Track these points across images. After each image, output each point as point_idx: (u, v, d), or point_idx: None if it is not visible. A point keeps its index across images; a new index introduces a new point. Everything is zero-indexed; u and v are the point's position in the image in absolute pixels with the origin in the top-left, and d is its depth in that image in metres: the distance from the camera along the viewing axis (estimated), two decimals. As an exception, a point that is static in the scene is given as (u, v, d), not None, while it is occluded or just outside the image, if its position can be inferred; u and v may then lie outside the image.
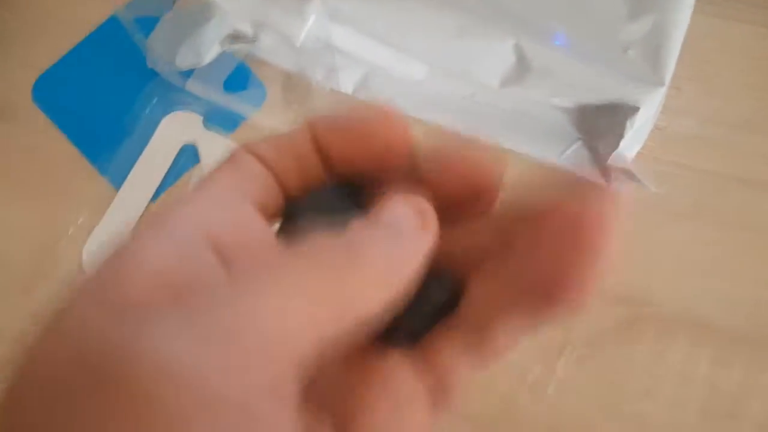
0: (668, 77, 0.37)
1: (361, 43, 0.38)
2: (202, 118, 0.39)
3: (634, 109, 0.36)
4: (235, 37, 0.38)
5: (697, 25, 0.39)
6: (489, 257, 0.19)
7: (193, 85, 0.39)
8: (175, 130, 0.39)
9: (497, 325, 0.18)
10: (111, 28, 0.41)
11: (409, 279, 0.17)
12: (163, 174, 0.38)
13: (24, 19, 0.42)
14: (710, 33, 0.40)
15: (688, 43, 0.39)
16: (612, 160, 0.37)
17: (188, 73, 0.39)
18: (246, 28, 0.38)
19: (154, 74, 0.39)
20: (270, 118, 0.40)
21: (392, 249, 0.16)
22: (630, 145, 0.37)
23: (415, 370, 0.19)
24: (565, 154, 0.38)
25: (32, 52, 0.41)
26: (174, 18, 0.39)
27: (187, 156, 0.39)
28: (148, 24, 0.39)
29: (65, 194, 0.39)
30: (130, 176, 0.38)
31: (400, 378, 0.18)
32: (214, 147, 0.39)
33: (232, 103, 0.40)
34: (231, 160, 0.18)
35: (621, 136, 0.36)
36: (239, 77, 0.40)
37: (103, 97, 0.40)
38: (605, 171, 0.38)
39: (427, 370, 0.19)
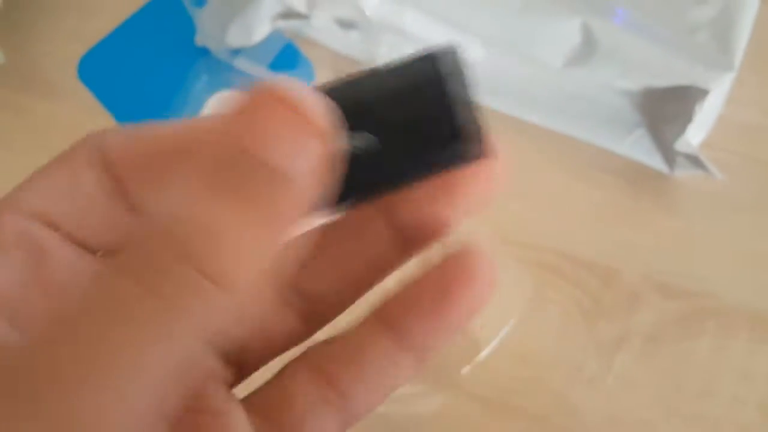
0: (737, 62, 0.36)
1: (418, 21, 0.37)
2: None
3: (704, 93, 0.34)
4: (287, 14, 0.37)
5: (761, 14, 0.37)
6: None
7: (241, 63, 0.38)
8: (222, 109, 0.38)
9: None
10: (159, 4, 0.40)
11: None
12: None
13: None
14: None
15: (751, 32, 0.37)
16: (679, 146, 0.35)
17: (238, 52, 0.38)
18: (300, 5, 0.37)
19: (203, 52, 0.38)
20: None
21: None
22: (696, 132, 0.36)
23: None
24: (628, 140, 0.37)
25: (77, 30, 0.41)
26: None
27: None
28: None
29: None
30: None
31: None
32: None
33: (281, 82, 0.39)
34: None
35: (689, 120, 0.35)
36: (287, 57, 0.39)
37: (150, 75, 0.39)
38: (670, 157, 0.36)
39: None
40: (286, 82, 0.14)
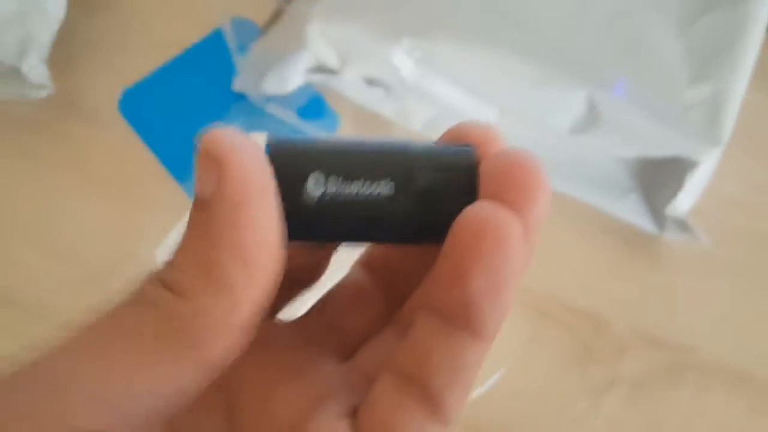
0: (725, 138, 0.39)
1: (444, 87, 0.40)
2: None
3: (694, 164, 0.38)
4: (320, 69, 0.41)
5: (748, 98, 0.41)
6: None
7: (273, 109, 0.41)
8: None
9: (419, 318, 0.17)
10: (202, 49, 0.43)
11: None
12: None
13: (118, 29, 0.44)
14: (758, 106, 0.42)
15: (738, 114, 0.41)
16: (669, 211, 0.39)
17: (271, 99, 0.41)
18: (332, 61, 0.40)
19: (239, 96, 0.41)
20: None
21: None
22: (685, 199, 0.39)
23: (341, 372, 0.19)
24: (622, 203, 0.41)
25: (121, 65, 0.43)
26: (266, 43, 0.41)
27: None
28: (242, 47, 0.42)
29: (143, 197, 0.41)
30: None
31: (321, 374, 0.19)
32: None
33: (309, 129, 0.42)
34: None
35: (680, 188, 0.38)
36: (315, 106, 0.42)
37: (188, 113, 0.42)
38: (660, 221, 0.40)
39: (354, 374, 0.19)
40: (224, 134, 0.16)
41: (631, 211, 0.41)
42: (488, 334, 0.17)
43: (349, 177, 0.17)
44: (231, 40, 0.42)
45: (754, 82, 0.41)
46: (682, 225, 0.39)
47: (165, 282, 0.16)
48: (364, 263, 0.22)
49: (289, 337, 0.21)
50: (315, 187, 0.17)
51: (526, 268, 0.17)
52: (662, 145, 0.39)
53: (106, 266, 0.39)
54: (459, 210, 0.16)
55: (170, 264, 0.16)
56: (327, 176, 0.17)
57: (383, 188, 0.17)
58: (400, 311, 0.21)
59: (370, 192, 0.17)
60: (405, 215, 0.17)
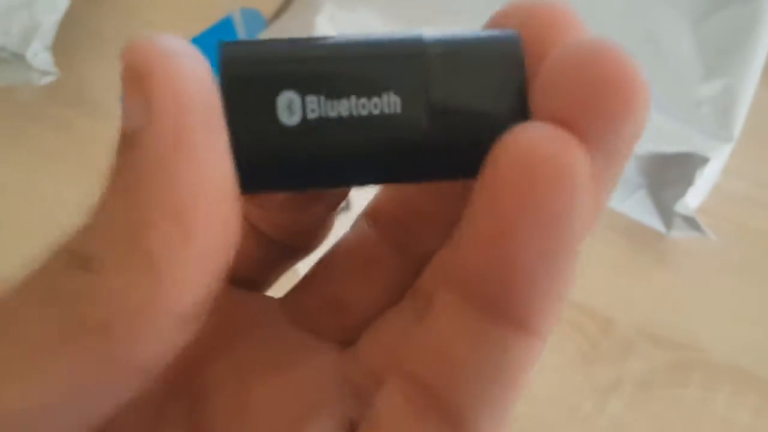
0: (736, 135, 0.39)
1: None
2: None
3: (704, 161, 0.38)
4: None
5: (758, 95, 0.41)
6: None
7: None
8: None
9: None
10: (208, 39, 0.42)
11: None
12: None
13: (124, 17, 0.44)
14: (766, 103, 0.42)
15: (749, 111, 0.41)
16: (678, 208, 0.39)
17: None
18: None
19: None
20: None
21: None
22: (694, 197, 0.39)
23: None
24: (630, 200, 0.40)
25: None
26: (274, 33, 0.40)
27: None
28: (250, 35, 0.41)
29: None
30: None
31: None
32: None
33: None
34: None
35: (689, 185, 0.38)
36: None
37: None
38: (668, 219, 0.40)
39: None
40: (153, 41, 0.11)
41: (639, 209, 0.41)
42: (538, 327, 0.11)
43: (335, 93, 0.12)
44: (240, 30, 0.42)
45: (763, 78, 0.40)
46: (691, 222, 0.39)
47: (75, 253, 0.12)
48: (369, 215, 0.16)
49: (276, 319, 0.16)
50: (288, 111, 0.12)
51: (588, 233, 0.12)
52: (673, 140, 0.39)
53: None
54: (498, 133, 0.11)
55: (83, 229, 0.12)
56: (304, 95, 0.12)
57: (386, 105, 0.12)
58: (419, 280, 0.15)
59: (366, 113, 0.12)
60: (418, 142, 0.12)
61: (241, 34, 0.41)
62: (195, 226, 0.11)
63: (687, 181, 0.38)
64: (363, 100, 0.12)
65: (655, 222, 0.40)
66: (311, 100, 0.12)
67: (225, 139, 0.11)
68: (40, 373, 0.11)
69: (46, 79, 0.40)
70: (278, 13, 0.42)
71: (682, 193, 0.39)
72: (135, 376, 0.12)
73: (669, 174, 0.39)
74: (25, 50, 0.40)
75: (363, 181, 0.13)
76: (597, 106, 0.11)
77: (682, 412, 0.39)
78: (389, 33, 0.13)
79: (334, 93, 0.12)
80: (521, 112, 0.12)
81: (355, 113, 0.12)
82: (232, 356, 0.15)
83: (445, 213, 0.15)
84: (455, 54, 0.12)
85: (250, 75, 0.12)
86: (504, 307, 0.11)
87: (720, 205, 0.41)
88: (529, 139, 0.11)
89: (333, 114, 0.12)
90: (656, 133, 0.39)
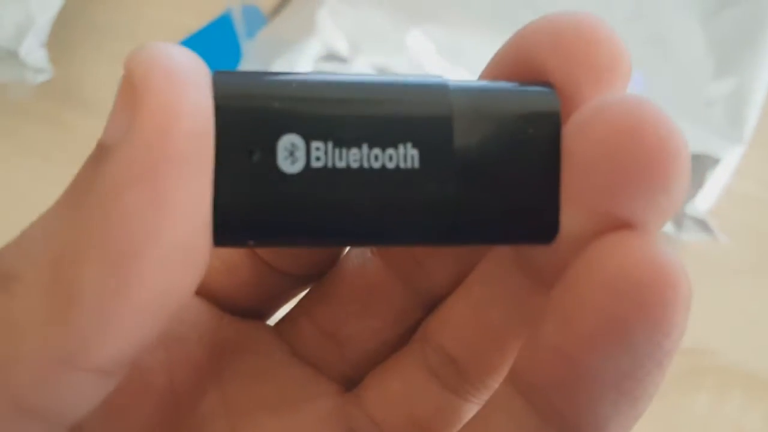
0: (747, 135, 0.38)
1: (456, 73, 0.39)
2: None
3: (715, 161, 0.37)
4: (329, 57, 0.39)
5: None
6: None
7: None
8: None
9: None
10: (207, 35, 0.41)
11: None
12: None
13: (120, 13, 0.43)
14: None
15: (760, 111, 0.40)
16: (688, 210, 0.38)
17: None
18: (342, 49, 0.39)
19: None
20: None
21: None
22: (704, 199, 0.38)
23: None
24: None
25: (121, 48, 0.42)
26: (274, 30, 0.39)
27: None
28: (250, 33, 0.40)
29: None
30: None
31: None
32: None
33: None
34: None
35: (700, 186, 0.37)
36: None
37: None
38: (678, 220, 0.39)
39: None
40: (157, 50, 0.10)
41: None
42: None
43: (344, 140, 0.11)
44: (239, 26, 0.41)
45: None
46: (702, 225, 0.38)
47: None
48: None
49: (275, 350, 0.15)
50: (289, 158, 0.10)
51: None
52: (683, 141, 0.38)
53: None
54: (528, 196, 0.11)
55: (17, 240, 0.10)
56: (309, 140, 0.10)
57: (402, 159, 0.11)
58: (429, 329, 0.14)
59: (379, 165, 0.11)
60: (438, 203, 0.11)
61: (240, 30, 0.41)
62: (135, 281, 0.09)
63: (697, 183, 0.37)
64: (376, 151, 0.11)
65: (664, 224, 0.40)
66: (317, 146, 0.10)
67: (207, 180, 0.10)
68: None
69: (41, 77, 0.39)
70: (278, 9, 0.42)
71: (692, 194, 0.38)
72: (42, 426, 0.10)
73: (679, 175, 0.39)
74: (19, 47, 0.39)
75: (369, 242, 0.12)
76: (639, 187, 0.10)
77: (692, 418, 0.38)
78: (410, 76, 0.12)
79: (343, 140, 0.10)
80: (555, 176, 0.11)
81: (366, 165, 0.11)
82: (226, 392, 0.14)
83: (459, 249, 0.14)
84: (483, 107, 0.11)
85: (249, 112, 0.10)
86: (571, 422, 0.11)
87: (731, 207, 0.40)
88: (622, 257, 0.10)
89: (341, 164, 0.10)
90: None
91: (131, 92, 0.10)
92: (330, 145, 0.10)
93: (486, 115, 0.11)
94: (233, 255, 0.14)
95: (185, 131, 0.09)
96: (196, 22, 0.42)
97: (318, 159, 0.10)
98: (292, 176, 0.10)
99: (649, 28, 0.39)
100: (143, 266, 0.09)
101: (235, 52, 0.40)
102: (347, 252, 0.15)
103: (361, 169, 0.11)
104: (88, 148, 0.40)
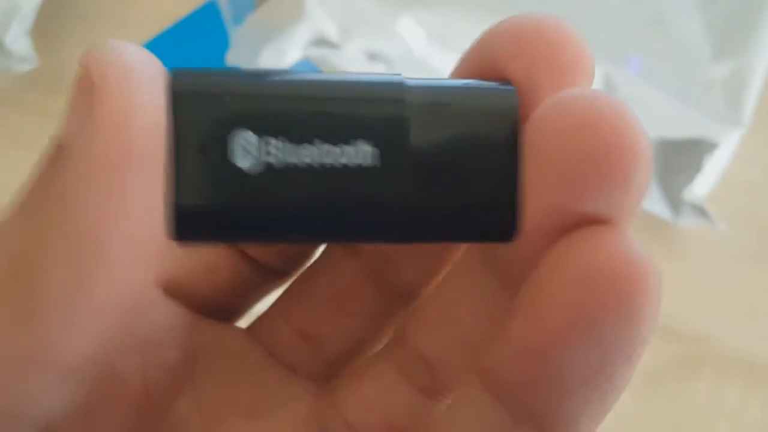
0: (747, 119, 0.37)
1: (447, 59, 0.38)
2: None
3: (713, 146, 0.36)
4: (319, 42, 0.39)
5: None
6: None
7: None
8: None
9: None
10: (194, 21, 0.41)
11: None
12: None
13: (102, 6, 0.42)
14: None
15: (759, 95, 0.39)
16: (686, 195, 0.37)
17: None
18: (332, 35, 0.38)
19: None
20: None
21: None
22: (702, 184, 0.38)
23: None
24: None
25: (107, 35, 0.41)
26: (262, 15, 0.39)
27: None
28: (237, 19, 0.40)
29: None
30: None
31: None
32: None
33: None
34: None
35: (698, 171, 0.37)
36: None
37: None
38: (676, 206, 0.38)
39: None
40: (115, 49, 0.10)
41: (646, 196, 0.39)
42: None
43: (297, 137, 0.11)
44: (226, 12, 0.40)
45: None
46: (699, 210, 0.37)
47: None
48: None
49: (250, 355, 0.15)
50: (243, 154, 0.10)
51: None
52: (680, 125, 0.37)
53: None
54: (486, 194, 0.11)
55: None
56: (261, 136, 0.11)
57: (358, 156, 0.11)
58: (403, 330, 0.14)
59: (334, 163, 0.11)
60: (393, 200, 0.11)
61: (228, 16, 0.40)
62: (95, 278, 0.09)
63: (695, 168, 0.37)
64: (329, 147, 0.11)
65: (661, 210, 0.39)
66: (270, 142, 0.11)
67: (160, 174, 0.10)
68: None
69: (25, 66, 0.39)
70: (267, -6, 0.41)
71: (689, 180, 0.37)
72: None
73: (676, 160, 0.38)
74: (3, 36, 0.38)
75: (328, 239, 0.12)
76: (597, 182, 0.10)
77: (691, 406, 0.38)
78: (369, 74, 0.12)
79: (296, 136, 0.11)
80: (513, 173, 0.11)
81: (319, 161, 0.11)
82: (201, 396, 0.14)
83: (430, 246, 0.14)
84: (440, 105, 0.11)
85: (202, 107, 0.11)
86: (541, 418, 0.11)
87: (729, 192, 0.39)
88: (590, 253, 0.10)
89: (294, 160, 0.11)
90: (663, 118, 0.37)
91: (88, 90, 0.10)
92: (283, 141, 0.11)
93: (442, 113, 0.11)
94: (210, 255, 0.14)
95: (140, 126, 0.10)
96: (183, 9, 0.41)
97: (271, 155, 0.11)
98: (246, 172, 0.11)
99: (646, 10, 0.38)
100: (103, 263, 0.09)
101: (222, 38, 0.40)
102: (321, 251, 0.15)
103: (314, 165, 0.11)
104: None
